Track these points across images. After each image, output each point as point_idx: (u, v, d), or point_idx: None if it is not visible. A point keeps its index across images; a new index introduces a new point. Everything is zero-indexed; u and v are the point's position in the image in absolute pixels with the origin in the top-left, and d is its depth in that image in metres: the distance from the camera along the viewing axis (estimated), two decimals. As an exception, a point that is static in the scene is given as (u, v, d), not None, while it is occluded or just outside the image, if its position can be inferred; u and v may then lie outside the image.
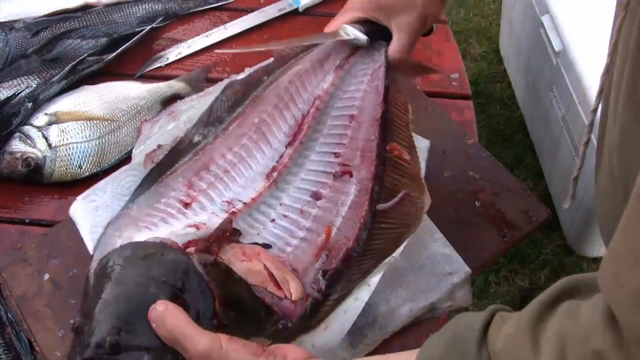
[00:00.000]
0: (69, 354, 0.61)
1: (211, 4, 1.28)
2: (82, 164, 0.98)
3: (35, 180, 0.97)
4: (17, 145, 0.97)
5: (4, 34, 1.13)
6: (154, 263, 0.64)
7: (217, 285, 0.64)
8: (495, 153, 0.99)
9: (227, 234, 0.70)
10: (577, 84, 1.62)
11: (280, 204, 0.75)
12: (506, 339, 0.49)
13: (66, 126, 1.00)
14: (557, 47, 1.73)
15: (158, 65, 1.16)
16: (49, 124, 1.01)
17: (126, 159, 1.01)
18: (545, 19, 1.79)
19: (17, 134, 0.99)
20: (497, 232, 0.88)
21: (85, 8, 1.22)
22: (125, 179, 0.82)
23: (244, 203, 0.74)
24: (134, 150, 1.00)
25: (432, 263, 0.84)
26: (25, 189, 0.98)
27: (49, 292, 0.82)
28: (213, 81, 1.11)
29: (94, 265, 0.69)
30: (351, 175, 0.76)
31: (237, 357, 0.57)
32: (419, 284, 0.82)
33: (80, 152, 0.99)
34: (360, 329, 0.79)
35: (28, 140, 0.98)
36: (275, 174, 0.76)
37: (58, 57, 1.13)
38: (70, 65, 1.09)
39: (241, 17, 1.24)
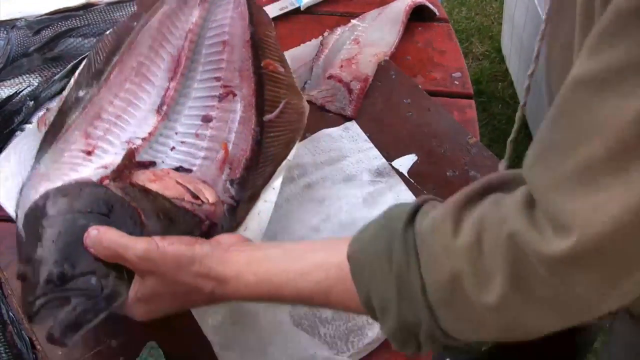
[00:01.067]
0: (23, 302, 0.65)
1: (213, 2, 1.28)
2: (83, 162, 0.98)
3: (37, 178, 0.97)
4: (18, 144, 0.97)
5: (5, 32, 1.12)
6: (75, 199, 0.69)
7: (138, 204, 0.70)
8: (497, 152, 0.99)
9: (134, 161, 0.76)
10: (579, 83, 1.61)
11: (176, 133, 0.82)
12: (431, 221, 0.53)
13: (68, 125, 1.00)
14: (559, 46, 1.72)
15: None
16: (51, 122, 1.01)
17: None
18: (547, 18, 1.79)
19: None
20: (499, 231, 0.88)
21: (86, 6, 1.21)
22: (24, 147, 0.83)
23: (142, 139, 0.80)
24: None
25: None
26: (26, 187, 0.97)
27: (50, 291, 0.82)
28: (215, 80, 1.11)
29: (20, 221, 0.73)
30: (235, 95, 0.84)
31: (173, 250, 0.63)
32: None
33: (81, 150, 0.99)
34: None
35: (29, 139, 0.98)
36: (164, 108, 0.83)
37: (59, 55, 1.12)
38: (71, 63, 1.08)
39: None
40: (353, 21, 1.20)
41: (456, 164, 0.96)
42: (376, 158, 0.96)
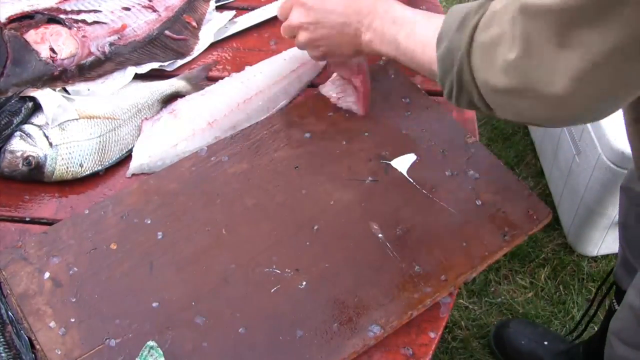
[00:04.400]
0: None
1: (212, 2, 1.30)
2: (83, 162, 0.98)
3: (36, 178, 0.97)
4: (18, 144, 0.97)
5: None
6: None
7: (12, 49, 1.02)
8: (495, 152, 0.99)
9: (38, 22, 1.09)
10: (578, 83, 1.61)
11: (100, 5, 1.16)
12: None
13: (67, 125, 1.00)
14: (557, 45, 1.72)
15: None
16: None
17: (127, 158, 1.01)
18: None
19: (18, 133, 0.98)
20: (498, 231, 0.88)
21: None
22: None
23: None
24: (134, 149, 1.01)
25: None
26: (25, 187, 0.97)
27: (50, 291, 0.82)
28: (213, 79, 1.11)
29: None
30: (154, 10, 1.16)
31: None
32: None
33: (81, 150, 0.99)
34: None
35: (29, 139, 0.98)
36: None
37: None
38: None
39: (242, 15, 1.24)
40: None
41: (455, 164, 0.96)
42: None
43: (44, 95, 1.01)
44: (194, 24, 1.20)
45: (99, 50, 1.10)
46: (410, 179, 0.94)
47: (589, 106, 0.63)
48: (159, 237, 0.88)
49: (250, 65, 1.13)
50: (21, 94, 1.02)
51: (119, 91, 1.08)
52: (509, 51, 0.63)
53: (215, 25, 1.22)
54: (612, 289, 1.27)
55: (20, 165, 0.96)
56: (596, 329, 1.50)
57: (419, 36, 0.81)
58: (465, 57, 0.69)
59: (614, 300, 1.28)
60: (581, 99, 0.61)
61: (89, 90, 1.08)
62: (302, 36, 0.92)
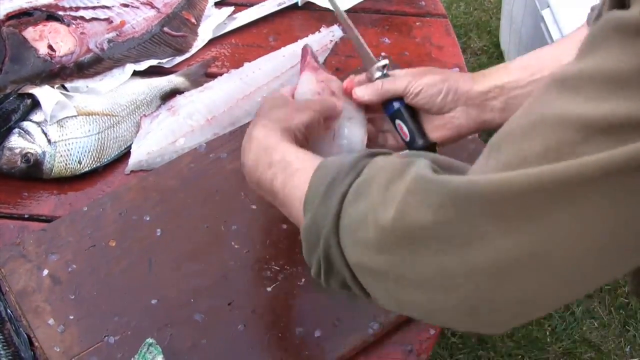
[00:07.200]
0: None
1: (211, -2, 1.30)
2: (81, 159, 0.98)
3: (35, 175, 0.97)
4: (16, 141, 0.97)
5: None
6: None
7: (10, 47, 1.03)
8: (495, 148, 0.98)
9: (36, 19, 1.10)
10: (578, 78, 1.61)
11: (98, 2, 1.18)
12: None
13: (65, 122, 1.00)
14: (557, 41, 1.72)
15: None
16: (48, 119, 1.01)
17: (126, 155, 1.01)
18: (545, 13, 1.79)
19: (16, 130, 0.98)
20: (497, 227, 0.88)
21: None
22: None
23: None
24: (133, 145, 1.01)
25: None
26: (24, 184, 0.97)
27: (48, 288, 0.82)
28: (212, 76, 1.11)
29: None
30: (153, 7, 1.17)
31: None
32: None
33: (79, 147, 0.99)
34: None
35: (27, 136, 0.98)
36: None
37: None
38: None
39: (241, 11, 1.24)
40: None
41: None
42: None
43: (42, 92, 1.01)
44: (193, 20, 1.20)
45: (97, 47, 1.10)
46: (409, 175, 0.93)
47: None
48: (158, 234, 0.88)
49: (249, 61, 1.12)
50: (19, 91, 1.01)
51: (118, 88, 1.08)
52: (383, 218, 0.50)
53: (214, 21, 1.21)
54: None
55: (18, 162, 0.96)
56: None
57: (295, 188, 0.65)
58: (333, 235, 0.56)
59: None
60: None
61: (87, 87, 1.07)
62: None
